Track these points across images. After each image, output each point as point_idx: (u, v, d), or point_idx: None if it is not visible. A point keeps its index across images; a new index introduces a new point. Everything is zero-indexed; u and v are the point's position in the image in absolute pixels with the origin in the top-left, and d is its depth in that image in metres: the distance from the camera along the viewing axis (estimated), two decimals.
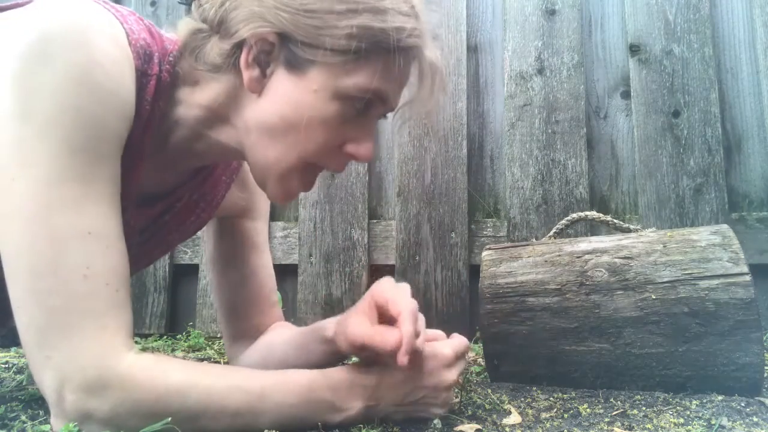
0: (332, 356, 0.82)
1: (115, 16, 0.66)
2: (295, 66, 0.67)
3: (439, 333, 0.78)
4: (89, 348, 0.57)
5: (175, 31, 0.74)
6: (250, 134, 0.71)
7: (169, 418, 0.59)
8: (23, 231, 0.57)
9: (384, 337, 0.67)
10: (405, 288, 0.74)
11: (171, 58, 0.72)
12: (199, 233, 1.04)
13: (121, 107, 0.62)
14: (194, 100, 0.72)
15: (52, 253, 0.57)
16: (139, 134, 0.69)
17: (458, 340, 0.77)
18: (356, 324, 0.72)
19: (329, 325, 0.81)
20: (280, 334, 0.97)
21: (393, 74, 0.69)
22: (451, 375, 0.72)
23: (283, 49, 0.67)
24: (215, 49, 0.69)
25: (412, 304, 0.69)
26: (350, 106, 0.68)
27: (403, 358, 0.64)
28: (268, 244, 1.06)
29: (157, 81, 0.69)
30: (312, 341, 0.85)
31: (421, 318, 0.72)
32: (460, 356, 0.75)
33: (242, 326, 1.00)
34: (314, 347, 0.84)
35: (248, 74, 0.68)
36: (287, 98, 0.68)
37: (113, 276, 0.60)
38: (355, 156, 0.71)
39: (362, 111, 0.70)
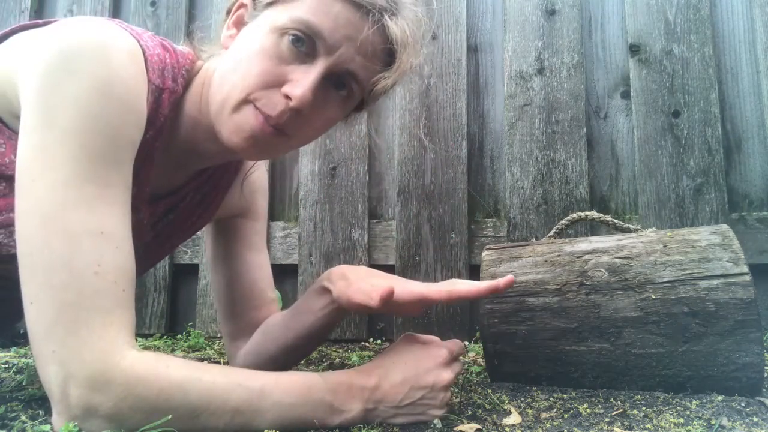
0: (333, 308, 0.85)
1: (132, 35, 0.69)
2: (255, 15, 0.74)
3: (434, 338, 0.79)
4: (94, 344, 0.58)
5: (188, 44, 0.81)
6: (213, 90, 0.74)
7: (170, 416, 0.59)
8: (40, 227, 0.59)
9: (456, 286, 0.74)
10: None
11: (184, 71, 0.77)
12: (199, 233, 1.05)
13: (136, 118, 0.66)
14: (194, 90, 0.78)
15: (66, 249, 0.59)
16: (152, 141, 0.73)
17: (453, 341, 0.78)
18: (401, 286, 0.75)
19: (324, 277, 0.86)
20: (275, 316, 1.00)
21: (334, 15, 0.70)
22: (448, 374, 0.73)
23: (255, 7, 0.75)
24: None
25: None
26: (287, 40, 0.70)
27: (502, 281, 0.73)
28: (266, 245, 1.07)
29: (170, 94, 0.74)
30: (310, 299, 0.89)
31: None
32: (455, 356, 0.77)
33: (238, 324, 1.02)
34: (313, 303, 0.88)
35: (225, 35, 0.77)
36: (240, 41, 0.74)
37: (121, 275, 0.62)
38: (289, 95, 0.69)
39: (305, 53, 0.70)
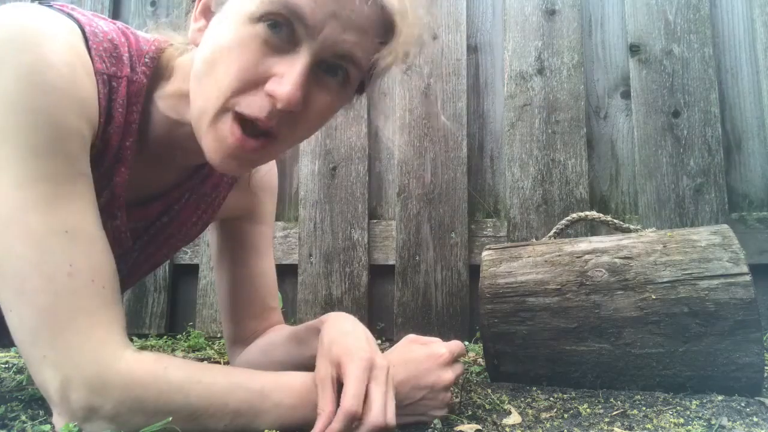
0: None
1: (79, 20, 0.65)
2: (221, 3, 0.65)
3: (435, 339, 0.78)
4: (84, 346, 0.57)
5: (157, 31, 0.75)
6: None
7: (170, 418, 0.59)
8: (1, 235, 0.56)
9: (325, 401, 0.62)
10: (379, 368, 0.64)
11: (147, 60, 0.71)
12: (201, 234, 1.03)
13: (78, 107, 0.61)
14: (169, 90, 0.72)
15: (33, 253, 0.56)
16: (119, 139, 0.68)
17: (454, 342, 0.77)
18: (320, 367, 0.67)
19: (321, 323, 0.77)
20: (281, 332, 0.96)
21: None
22: (448, 375, 0.73)
23: None
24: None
25: (355, 401, 0.60)
26: (262, 27, 0.60)
27: None
28: (272, 249, 1.04)
29: (129, 83, 0.68)
30: (312, 336, 0.83)
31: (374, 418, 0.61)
32: (456, 357, 0.76)
33: (238, 329, 1.00)
34: (314, 342, 0.81)
35: (194, 28, 0.68)
36: (209, 38, 0.65)
37: (98, 273, 0.60)
38: (274, 94, 0.60)
39: (287, 39, 0.61)
